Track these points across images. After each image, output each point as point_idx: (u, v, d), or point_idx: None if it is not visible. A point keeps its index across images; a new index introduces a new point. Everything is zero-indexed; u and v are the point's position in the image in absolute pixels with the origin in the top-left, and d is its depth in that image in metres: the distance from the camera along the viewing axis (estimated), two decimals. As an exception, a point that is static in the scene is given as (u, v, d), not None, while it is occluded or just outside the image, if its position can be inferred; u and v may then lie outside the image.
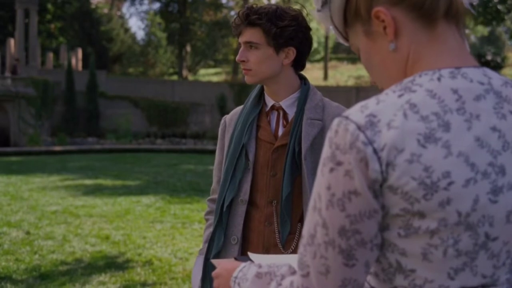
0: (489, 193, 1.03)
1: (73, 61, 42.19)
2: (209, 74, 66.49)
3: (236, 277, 1.34)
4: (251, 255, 1.58)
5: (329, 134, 1.07)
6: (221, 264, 1.45)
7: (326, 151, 1.07)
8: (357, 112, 1.06)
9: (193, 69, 65.59)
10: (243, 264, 1.36)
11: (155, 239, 8.23)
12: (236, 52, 57.49)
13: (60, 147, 31.12)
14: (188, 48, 60.18)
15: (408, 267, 1.07)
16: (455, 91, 1.06)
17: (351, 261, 1.06)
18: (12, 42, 41.98)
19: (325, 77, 55.10)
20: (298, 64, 2.40)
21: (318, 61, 65.40)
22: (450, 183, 1.00)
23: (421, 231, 1.03)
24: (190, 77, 61.02)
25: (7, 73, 35.98)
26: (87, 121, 37.08)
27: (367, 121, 1.03)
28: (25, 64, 39.61)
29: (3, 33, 49.50)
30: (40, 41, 46.18)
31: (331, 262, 1.07)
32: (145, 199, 12.23)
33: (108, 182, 15.75)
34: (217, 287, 1.42)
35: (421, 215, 1.02)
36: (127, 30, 65.59)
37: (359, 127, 1.03)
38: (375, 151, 1.01)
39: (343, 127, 1.04)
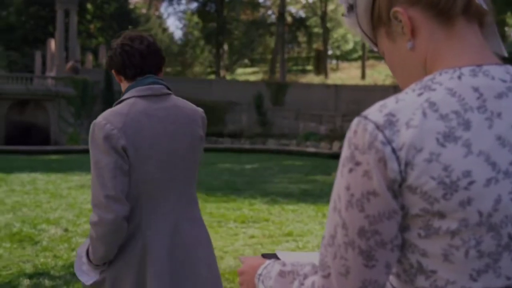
0: (511, 193, 1.01)
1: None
2: (246, 73, 66.60)
3: (260, 275, 1.34)
4: (278, 252, 1.58)
5: (348, 134, 1.07)
6: (246, 261, 1.45)
7: (345, 151, 1.07)
8: (375, 112, 1.05)
9: (230, 68, 65.79)
10: (267, 262, 1.36)
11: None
12: (273, 52, 57.59)
13: (99, 145, 31.45)
14: (226, 47, 60.38)
15: (429, 268, 1.05)
16: (476, 89, 1.05)
17: (371, 262, 1.06)
18: (52, 42, 42.66)
19: (363, 76, 54.79)
20: (126, 78, 2.67)
21: (355, 60, 65.05)
22: (470, 183, 0.99)
23: (442, 232, 1.02)
24: (228, 76, 61.23)
25: (67, 72, 36.72)
26: (126, 120, 37.44)
27: (386, 120, 1.03)
28: (65, 63, 40.19)
29: (44, 33, 50.31)
30: (79, 41, 46.83)
31: (351, 263, 1.07)
32: (183, 198, 12.28)
33: (145, 180, 15.88)
34: (241, 284, 1.42)
35: (441, 215, 1.01)
36: (165, 30, 66.18)
37: (377, 127, 1.02)
38: (393, 150, 1.01)
39: (362, 127, 1.04)
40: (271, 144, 34.04)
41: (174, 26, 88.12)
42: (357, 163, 1.03)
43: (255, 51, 65.50)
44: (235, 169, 19.96)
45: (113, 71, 2.71)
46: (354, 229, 1.05)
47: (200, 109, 2.81)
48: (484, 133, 1.01)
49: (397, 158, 1.00)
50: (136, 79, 2.64)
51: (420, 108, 1.03)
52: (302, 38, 64.08)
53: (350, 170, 1.05)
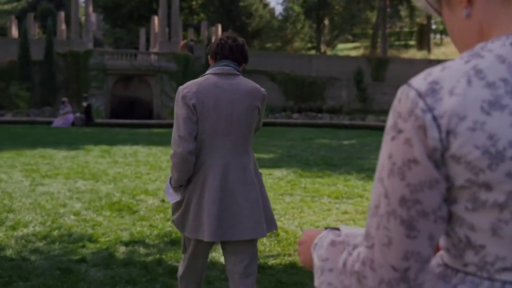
0: None
1: (213, 36, 43.28)
2: (347, 49, 65.87)
3: (316, 244, 1.34)
4: (342, 227, 1.57)
5: (394, 102, 1.05)
6: (307, 232, 1.44)
7: (389, 120, 1.05)
8: (420, 79, 1.03)
9: (331, 44, 65.28)
10: (324, 232, 1.35)
11: (283, 211, 8.32)
12: (374, 26, 56.55)
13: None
14: (326, 22, 59.86)
15: (478, 243, 1.02)
16: None
17: (413, 232, 1.03)
18: (156, 19, 43.68)
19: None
20: (215, 62, 3.67)
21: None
22: None
23: (489, 205, 0.98)
24: (328, 52, 60.80)
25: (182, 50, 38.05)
26: (226, 95, 37.97)
27: (429, 88, 1.00)
28: (168, 40, 41.11)
29: (148, 10, 51.60)
30: (182, 18, 47.71)
31: (393, 233, 1.04)
32: (277, 172, 12.36)
33: (242, 154, 16.03)
34: (300, 253, 1.43)
35: (488, 186, 0.97)
36: (265, 5, 66.30)
37: (419, 94, 1.00)
38: (434, 118, 0.98)
39: (405, 95, 1.02)
40: (371, 120, 33.63)
41: (275, 1, 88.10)
42: (399, 131, 1.01)
43: (356, 26, 64.59)
44: (333, 144, 19.87)
45: (209, 56, 3.71)
46: (395, 198, 1.03)
47: (262, 89, 3.71)
48: None
49: (438, 126, 0.97)
50: (219, 62, 3.62)
51: (466, 75, 0.99)
52: (404, 12, 62.52)
53: (393, 138, 1.03)
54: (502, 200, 0.96)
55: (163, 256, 5.87)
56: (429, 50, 54.72)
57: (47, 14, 55.11)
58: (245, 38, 4.10)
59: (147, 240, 6.48)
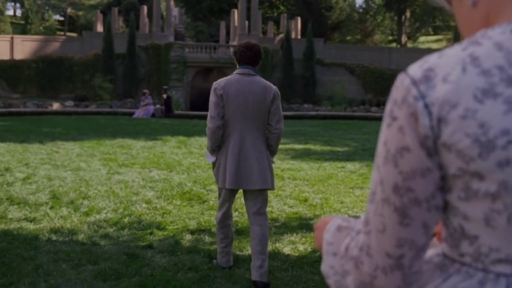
0: None
1: (293, 30, 43.26)
2: (429, 41, 64.48)
3: (327, 230, 1.35)
4: (362, 216, 1.57)
5: (392, 90, 1.06)
6: (323, 218, 1.46)
7: (387, 107, 1.06)
8: (416, 67, 1.03)
9: (412, 36, 64.05)
10: (336, 218, 1.36)
11: (352, 204, 8.28)
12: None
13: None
14: (408, 14, 58.79)
15: (471, 233, 1.01)
16: None
17: (406, 220, 1.03)
18: (235, 12, 44.04)
19: None
20: (239, 64, 4.95)
21: None
22: (509, 142, 0.92)
23: (481, 194, 0.97)
24: (409, 44, 59.71)
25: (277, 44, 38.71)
26: (304, 87, 37.92)
27: (424, 75, 1.00)
28: (248, 33, 41.39)
29: (228, 4, 52.05)
30: (261, 11, 47.86)
31: (387, 220, 1.05)
32: (350, 165, 12.28)
33: (317, 147, 16.02)
34: (315, 238, 1.44)
35: (479, 176, 0.96)
36: (346, -2, 65.61)
37: (413, 82, 1.00)
38: (426, 106, 0.97)
39: (401, 82, 1.03)
40: (451, 114, 32.82)
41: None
42: (394, 118, 1.02)
43: (438, 18, 63.11)
44: (410, 139, 19.49)
45: (235, 59, 5.00)
46: (389, 185, 1.03)
47: (274, 86, 4.94)
48: None
49: (429, 113, 0.97)
50: (241, 66, 4.93)
51: (461, 63, 0.98)
52: (490, 3, 60.61)
53: (388, 125, 1.03)
54: (493, 190, 0.95)
55: (227, 245, 5.94)
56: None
57: (130, 8, 56.52)
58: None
59: (213, 229, 6.58)
